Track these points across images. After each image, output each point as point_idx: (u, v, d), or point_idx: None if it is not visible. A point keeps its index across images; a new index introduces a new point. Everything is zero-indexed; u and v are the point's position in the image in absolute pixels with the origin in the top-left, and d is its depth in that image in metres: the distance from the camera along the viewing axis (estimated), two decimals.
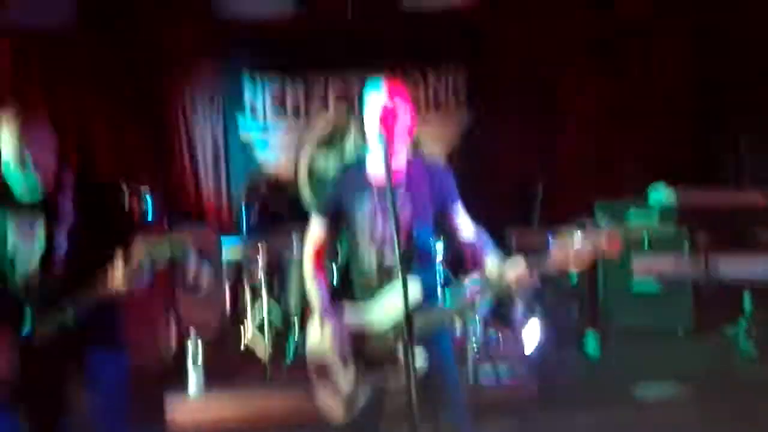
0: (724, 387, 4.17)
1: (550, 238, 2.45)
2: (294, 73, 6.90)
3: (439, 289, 2.55)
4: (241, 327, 5.63)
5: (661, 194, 5.09)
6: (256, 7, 6.14)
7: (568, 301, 5.03)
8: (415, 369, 2.20)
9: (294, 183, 6.61)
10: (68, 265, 2.71)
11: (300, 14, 6.15)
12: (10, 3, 5.73)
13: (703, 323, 4.56)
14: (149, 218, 5.92)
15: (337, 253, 3.76)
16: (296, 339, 5.27)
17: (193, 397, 4.76)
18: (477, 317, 4.73)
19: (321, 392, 2.66)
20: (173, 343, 5.20)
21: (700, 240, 4.81)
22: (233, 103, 6.97)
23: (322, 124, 6.69)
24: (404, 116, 2.59)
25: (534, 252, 2.47)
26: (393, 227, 2.30)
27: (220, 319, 5.79)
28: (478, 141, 6.75)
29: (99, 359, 2.76)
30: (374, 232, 2.61)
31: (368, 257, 2.62)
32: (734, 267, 4.64)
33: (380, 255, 2.61)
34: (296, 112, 6.97)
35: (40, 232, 2.72)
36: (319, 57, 6.74)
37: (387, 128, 2.49)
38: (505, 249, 2.68)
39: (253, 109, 6.97)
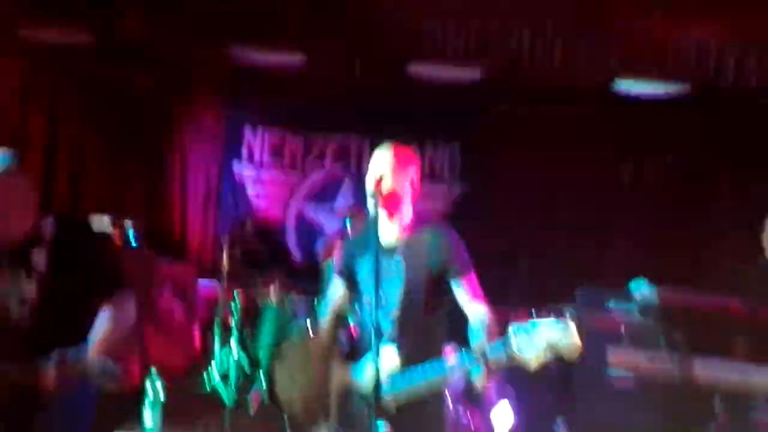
0: None
1: (509, 328, 2.38)
2: (294, 128, 7.01)
3: (424, 357, 2.50)
4: (207, 370, 5.52)
5: (642, 289, 5.11)
6: (266, 61, 6.29)
7: (541, 385, 4.97)
8: None
9: (280, 232, 6.65)
10: (39, 314, 2.65)
11: (306, 73, 6.31)
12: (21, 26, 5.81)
13: (673, 422, 4.51)
14: (132, 246, 5.92)
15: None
16: (262, 389, 5.16)
17: None
18: (447, 393, 4.65)
19: None
20: (134, 378, 5.06)
21: (677, 339, 4.81)
22: (231, 147, 7.04)
23: (316, 178, 6.80)
24: (406, 179, 2.58)
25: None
26: (388, 292, 2.34)
27: (186, 359, 5.67)
28: (466, 214, 6.82)
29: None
30: (373, 292, 2.57)
31: (365, 316, 2.66)
32: (708, 369, 4.63)
33: (375, 315, 2.59)
34: (293, 164, 7.05)
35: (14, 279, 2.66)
36: (321, 116, 6.89)
37: (382, 196, 2.48)
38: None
39: (250, 156, 7.04)
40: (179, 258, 6.62)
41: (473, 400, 5.14)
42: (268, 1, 5.64)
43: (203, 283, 6.07)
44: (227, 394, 5.20)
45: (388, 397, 2.34)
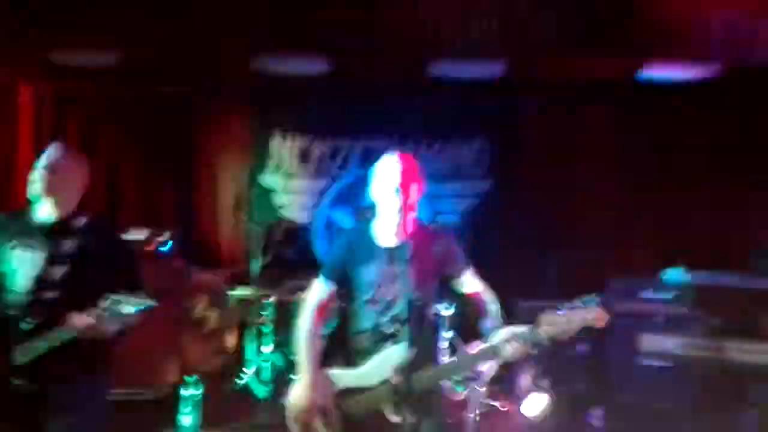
0: None
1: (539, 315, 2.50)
2: (321, 134, 7.12)
3: (438, 353, 2.58)
4: (243, 369, 5.63)
5: (676, 275, 5.08)
6: (292, 69, 6.39)
7: (575, 374, 4.95)
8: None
9: (309, 236, 6.75)
10: (60, 295, 2.73)
11: (331, 79, 6.40)
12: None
13: (709, 406, 4.46)
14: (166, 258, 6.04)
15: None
16: None
17: None
18: (478, 384, 4.68)
19: None
20: (173, 378, 5.18)
21: (711, 324, 4.77)
22: (259, 156, 7.17)
23: (342, 181, 6.89)
24: (414, 187, 2.72)
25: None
26: (395, 291, 2.42)
27: (221, 359, 5.77)
28: (494, 209, 6.84)
29: (75, 391, 2.74)
30: (376, 294, 2.69)
31: (367, 318, 2.70)
32: (743, 353, 4.57)
33: (379, 316, 2.68)
34: (319, 169, 7.15)
35: (40, 256, 2.76)
36: (346, 121, 6.99)
37: (403, 189, 2.65)
38: (513, 319, 2.72)
39: (279, 163, 7.16)
40: (212, 266, 6.74)
41: (505, 390, 5.15)
42: (291, 7, 5.70)
43: (237, 289, 6.16)
44: (262, 393, 5.26)
45: (409, 388, 2.41)
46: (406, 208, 2.67)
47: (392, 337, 2.64)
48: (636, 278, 5.09)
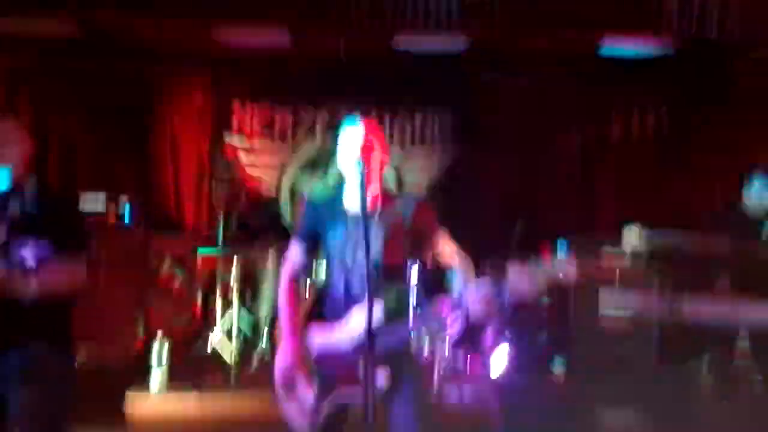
0: (685, 416, 4.25)
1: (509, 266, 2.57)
2: (284, 102, 7.08)
3: (409, 312, 2.63)
4: (210, 331, 5.63)
5: (634, 234, 5.24)
6: (252, 38, 6.33)
7: (538, 327, 5.11)
8: (374, 388, 2.33)
9: (274, 200, 6.72)
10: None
11: (293, 48, 6.36)
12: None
13: (667, 357, 4.66)
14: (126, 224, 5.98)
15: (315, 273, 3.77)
16: (264, 347, 5.27)
17: (156, 394, 4.71)
18: (446, 338, 4.77)
19: (285, 406, 2.72)
20: (140, 341, 5.17)
21: (667, 281, 4.96)
22: (221, 120, 7.09)
23: (308, 148, 6.87)
24: (378, 152, 2.73)
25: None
26: (363, 255, 2.42)
27: (188, 321, 5.77)
28: (461, 174, 6.94)
29: (40, 356, 2.68)
30: (345, 259, 2.71)
31: (338, 282, 2.73)
32: (697, 308, 4.77)
33: (348, 280, 2.71)
34: (283, 136, 7.11)
35: None
36: (310, 89, 6.95)
37: (365, 160, 2.62)
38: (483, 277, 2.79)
39: (240, 128, 7.09)
40: (177, 230, 6.69)
41: (472, 343, 5.28)
42: None
43: (201, 252, 6.14)
44: (229, 353, 5.29)
45: (381, 345, 2.43)
46: (369, 176, 2.65)
47: (362, 299, 2.66)
48: (597, 237, 5.25)
